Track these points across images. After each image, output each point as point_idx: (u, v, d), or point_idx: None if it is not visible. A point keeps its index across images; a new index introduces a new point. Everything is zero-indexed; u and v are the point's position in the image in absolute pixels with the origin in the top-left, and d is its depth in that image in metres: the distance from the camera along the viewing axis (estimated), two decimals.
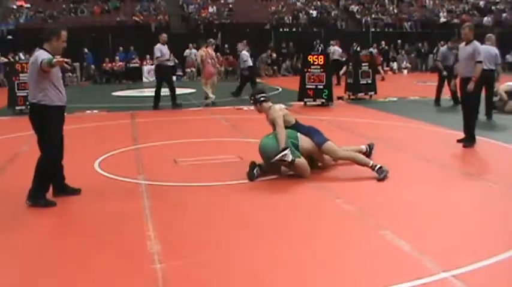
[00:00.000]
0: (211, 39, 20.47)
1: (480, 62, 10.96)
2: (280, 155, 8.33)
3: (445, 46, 19.00)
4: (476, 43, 11.10)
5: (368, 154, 9.40)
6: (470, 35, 11.14)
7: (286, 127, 8.80)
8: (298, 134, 8.83)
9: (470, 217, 6.87)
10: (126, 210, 7.17)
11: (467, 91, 10.85)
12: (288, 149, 8.37)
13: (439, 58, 18.35)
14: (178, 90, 21.17)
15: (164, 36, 18.76)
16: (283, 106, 9.45)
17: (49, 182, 7.50)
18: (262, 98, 9.16)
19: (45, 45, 7.39)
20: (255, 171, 8.58)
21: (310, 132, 8.96)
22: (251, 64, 21.15)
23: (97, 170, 9.32)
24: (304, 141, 8.80)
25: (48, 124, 7.31)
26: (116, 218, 6.86)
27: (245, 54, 21.35)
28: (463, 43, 11.34)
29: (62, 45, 7.48)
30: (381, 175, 8.31)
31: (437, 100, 18.05)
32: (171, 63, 18.30)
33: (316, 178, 8.58)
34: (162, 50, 18.04)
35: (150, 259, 5.46)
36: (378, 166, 8.38)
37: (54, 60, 7.08)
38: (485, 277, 5.07)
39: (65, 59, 7.20)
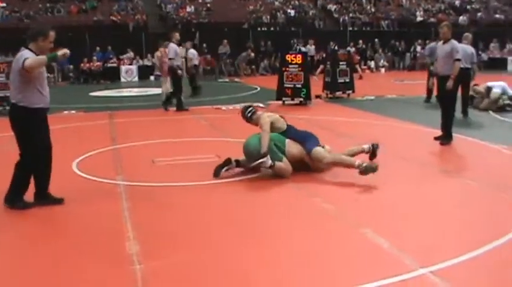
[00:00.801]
0: (167, 42, 20.32)
1: (458, 60, 11.05)
2: (258, 161, 8.43)
3: (434, 42, 19.07)
4: (454, 42, 11.20)
5: (371, 154, 9.36)
6: (449, 33, 11.24)
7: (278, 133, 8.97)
8: (287, 140, 8.87)
9: (448, 214, 6.95)
10: (104, 211, 7.15)
11: (446, 89, 10.94)
12: (267, 156, 8.42)
13: (427, 53, 18.47)
14: (156, 90, 21.20)
15: (177, 34, 17.72)
16: (274, 115, 9.35)
17: (27, 185, 7.30)
18: (249, 114, 9.31)
19: (31, 45, 7.10)
20: (223, 169, 8.73)
21: (303, 138, 8.97)
22: (197, 63, 20.98)
23: (75, 171, 9.28)
24: (292, 147, 8.83)
25: (27, 126, 7.08)
26: (95, 220, 6.85)
27: (192, 52, 21.87)
28: (441, 42, 11.44)
29: (49, 45, 7.20)
30: (362, 168, 8.25)
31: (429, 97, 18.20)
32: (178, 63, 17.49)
33: (297, 178, 8.62)
34: (176, 50, 17.27)
35: (129, 260, 5.46)
36: (364, 165, 8.30)
37: (60, 53, 6.95)
38: (462, 273, 5.15)
39: (66, 50, 7.03)
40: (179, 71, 17.00)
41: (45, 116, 7.31)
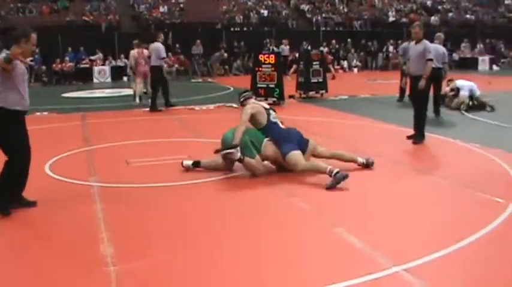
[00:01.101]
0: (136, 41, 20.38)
1: (431, 60, 11.15)
2: (226, 151, 8.51)
3: (407, 42, 19.19)
4: (426, 42, 11.31)
5: (364, 166, 9.23)
6: (421, 33, 11.33)
7: (258, 128, 8.97)
8: (266, 140, 8.84)
9: (421, 212, 7.02)
10: (78, 213, 7.12)
11: (419, 88, 11.02)
12: (237, 148, 8.44)
13: (400, 52, 18.59)
14: (129, 91, 21.13)
15: (162, 35, 18.32)
16: (258, 107, 9.19)
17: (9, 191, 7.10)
18: (242, 99, 9.34)
19: (13, 47, 6.86)
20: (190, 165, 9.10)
21: (281, 140, 8.83)
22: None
23: (48, 173, 9.23)
24: (269, 149, 8.82)
25: (6, 128, 6.92)
26: (68, 222, 6.80)
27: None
28: (413, 42, 11.53)
29: (31, 48, 7.15)
30: (330, 183, 8.03)
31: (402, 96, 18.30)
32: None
33: (272, 178, 8.67)
34: (164, 50, 17.65)
35: (104, 262, 5.44)
36: (335, 171, 8.11)
37: (10, 53, 6.73)
38: (435, 270, 5.20)
39: (23, 59, 6.90)
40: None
41: (23, 119, 7.20)
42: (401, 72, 17.49)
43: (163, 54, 17.67)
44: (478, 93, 16.38)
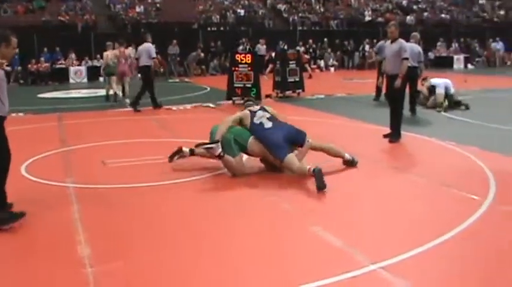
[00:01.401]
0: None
1: (406, 58, 11.22)
2: (207, 145, 8.59)
3: (383, 41, 19.23)
4: (402, 41, 11.37)
5: (347, 164, 9.26)
6: (396, 33, 11.40)
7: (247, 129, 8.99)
8: (251, 138, 8.82)
9: (398, 209, 7.08)
10: (54, 214, 7.08)
11: (395, 87, 11.08)
12: (218, 144, 8.49)
13: (376, 49, 18.65)
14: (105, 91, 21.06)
15: (149, 35, 18.49)
16: (245, 111, 9.20)
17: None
18: (245, 106, 9.52)
19: None
20: (175, 157, 9.28)
21: (270, 146, 8.67)
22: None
23: (23, 174, 9.15)
24: (254, 146, 8.81)
25: None
26: (45, 223, 6.76)
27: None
28: (389, 41, 11.59)
29: (12, 52, 6.90)
30: (318, 183, 7.90)
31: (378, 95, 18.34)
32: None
33: (252, 177, 8.70)
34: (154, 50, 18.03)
35: (81, 263, 5.42)
36: (312, 169, 8.04)
37: None
38: (412, 267, 5.26)
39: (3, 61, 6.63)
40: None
41: (2, 124, 7.12)
42: (378, 71, 17.41)
43: (154, 54, 18.07)
44: (453, 90, 16.47)
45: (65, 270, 5.33)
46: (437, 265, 5.34)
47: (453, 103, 16.11)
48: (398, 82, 11.02)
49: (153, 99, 17.77)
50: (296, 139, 8.84)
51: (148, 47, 17.70)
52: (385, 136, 11.44)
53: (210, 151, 8.56)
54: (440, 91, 16.13)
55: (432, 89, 16.33)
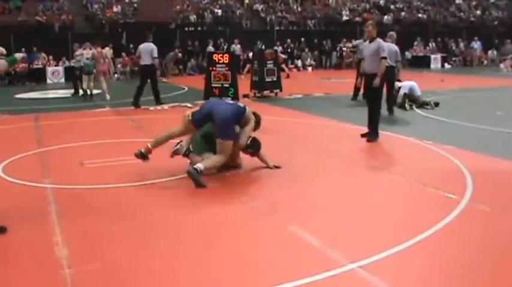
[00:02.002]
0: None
1: (385, 58, 11.27)
2: (175, 148, 9.05)
3: (361, 40, 19.31)
4: (379, 40, 11.44)
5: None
6: (374, 32, 11.46)
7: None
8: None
9: (375, 209, 7.11)
10: (31, 215, 7.04)
11: (374, 86, 11.13)
12: (181, 143, 8.98)
13: (352, 46, 18.68)
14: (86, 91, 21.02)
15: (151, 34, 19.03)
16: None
17: None
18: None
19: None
20: (173, 152, 9.15)
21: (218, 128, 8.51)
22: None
23: (0, 175, 9.10)
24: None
25: None
26: (22, 224, 6.69)
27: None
28: (367, 41, 11.65)
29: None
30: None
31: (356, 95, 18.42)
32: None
33: (222, 178, 8.67)
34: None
35: (59, 264, 5.38)
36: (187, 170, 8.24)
37: (19, 56, 6.48)
38: (390, 266, 5.28)
39: (23, 54, 6.55)
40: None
41: None
42: (357, 71, 17.47)
43: (156, 54, 18.41)
44: (419, 93, 16.67)
45: (42, 271, 5.29)
46: (415, 263, 5.38)
47: (421, 103, 16.31)
48: (377, 81, 11.07)
49: (156, 96, 18.41)
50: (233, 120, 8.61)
51: (152, 46, 18.17)
52: (362, 135, 11.49)
53: (176, 152, 8.86)
54: (401, 92, 16.30)
55: (398, 89, 16.47)
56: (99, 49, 19.96)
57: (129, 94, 18.72)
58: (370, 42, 11.57)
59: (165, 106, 17.87)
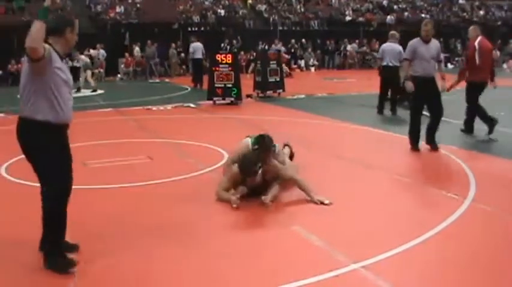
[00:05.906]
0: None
1: (441, 61, 10.89)
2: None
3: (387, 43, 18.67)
4: (436, 41, 10.79)
5: None
6: (433, 32, 10.62)
7: None
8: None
9: (379, 209, 7.10)
10: (34, 215, 7.02)
11: (440, 91, 10.62)
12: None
13: (379, 55, 17.62)
14: (86, 91, 21.04)
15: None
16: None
17: (61, 231, 5.70)
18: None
19: (52, 39, 5.58)
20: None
21: None
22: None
23: (4, 175, 9.12)
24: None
25: (43, 150, 5.80)
26: (24, 224, 6.70)
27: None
28: (421, 41, 10.62)
29: (75, 38, 5.72)
30: None
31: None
32: None
33: None
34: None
35: None
36: None
37: (47, 3, 5.24)
38: (393, 266, 5.28)
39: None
40: None
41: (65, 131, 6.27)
42: (382, 79, 16.07)
43: (204, 51, 25.09)
44: None
45: (43, 271, 5.30)
46: (418, 264, 5.37)
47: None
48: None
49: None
50: None
51: (200, 45, 25.33)
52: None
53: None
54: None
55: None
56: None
57: (132, 95, 18.73)
58: (427, 43, 10.51)
59: (168, 106, 17.86)
